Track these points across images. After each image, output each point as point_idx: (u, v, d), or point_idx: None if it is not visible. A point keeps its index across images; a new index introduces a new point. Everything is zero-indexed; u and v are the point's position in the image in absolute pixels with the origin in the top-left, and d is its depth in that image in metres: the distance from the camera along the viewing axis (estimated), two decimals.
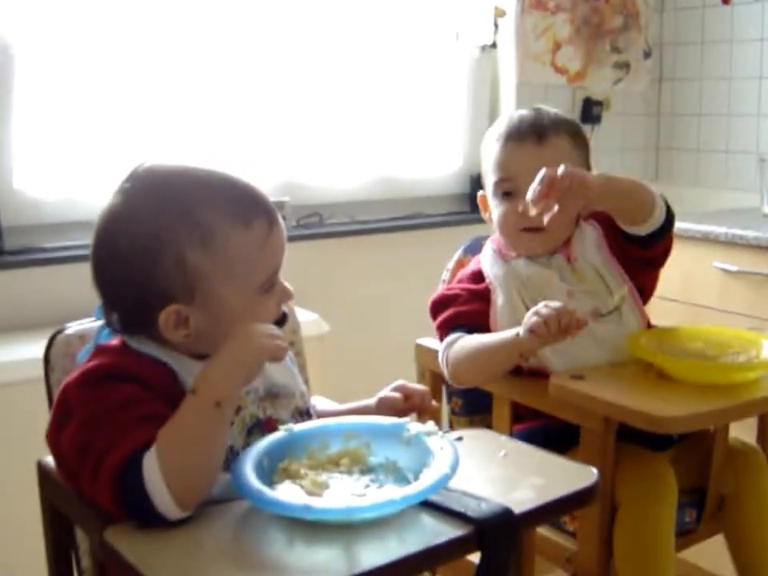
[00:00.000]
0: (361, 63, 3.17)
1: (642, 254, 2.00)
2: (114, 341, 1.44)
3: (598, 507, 1.79)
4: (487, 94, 3.47)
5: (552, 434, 1.87)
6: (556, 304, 1.73)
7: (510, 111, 2.12)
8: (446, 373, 1.96)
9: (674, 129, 3.77)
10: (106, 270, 1.41)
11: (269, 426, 1.44)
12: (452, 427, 2.23)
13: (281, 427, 1.40)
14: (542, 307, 1.73)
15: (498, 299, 1.97)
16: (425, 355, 2.17)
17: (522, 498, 1.31)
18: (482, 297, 1.99)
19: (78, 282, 2.54)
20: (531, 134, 1.99)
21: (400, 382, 1.63)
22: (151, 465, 1.22)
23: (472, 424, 2.18)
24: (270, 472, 1.33)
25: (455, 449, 1.31)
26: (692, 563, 2.29)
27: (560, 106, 3.44)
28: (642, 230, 1.94)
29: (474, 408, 2.18)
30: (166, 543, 1.21)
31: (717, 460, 1.93)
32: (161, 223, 1.35)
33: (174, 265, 1.35)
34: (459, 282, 2.08)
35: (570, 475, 1.42)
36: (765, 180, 3.18)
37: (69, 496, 1.45)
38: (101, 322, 1.47)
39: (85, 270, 2.52)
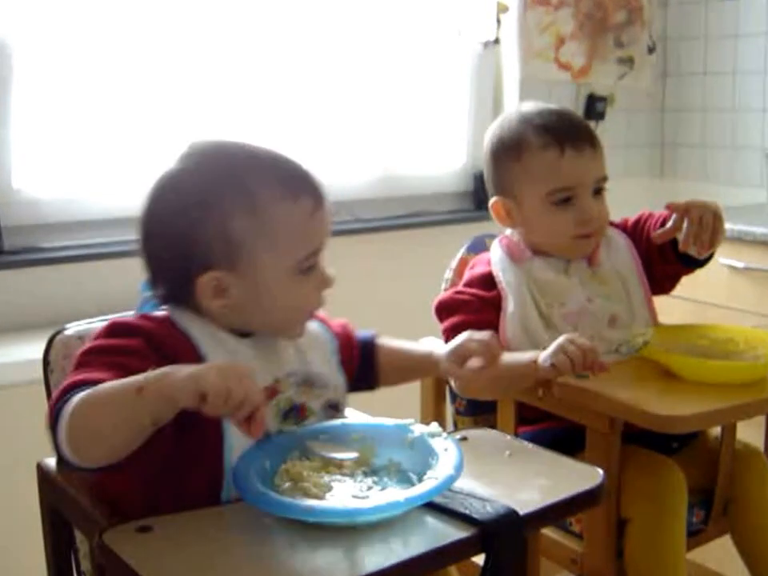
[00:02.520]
0: (363, 60, 3.15)
1: (678, 270, 2.04)
2: (161, 312, 1.45)
3: (604, 508, 1.78)
4: (490, 91, 3.44)
5: (559, 436, 1.84)
6: (583, 341, 1.67)
7: (521, 110, 2.03)
8: (452, 383, 1.91)
9: (679, 124, 3.75)
10: (152, 234, 1.44)
11: (302, 413, 1.46)
12: (456, 427, 2.21)
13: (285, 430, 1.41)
14: (568, 343, 1.66)
15: (509, 306, 1.95)
16: None
17: (527, 499, 1.31)
18: (494, 305, 1.96)
19: (77, 282, 2.58)
20: (586, 141, 1.96)
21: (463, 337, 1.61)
22: (70, 404, 1.22)
23: (476, 424, 2.17)
24: (272, 474, 1.32)
25: (460, 450, 1.31)
26: (698, 563, 2.28)
27: (564, 102, 3.45)
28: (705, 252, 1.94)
29: (478, 408, 2.16)
30: (165, 546, 1.20)
31: (724, 460, 1.92)
32: (209, 188, 1.39)
33: (218, 230, 1.38)
34: (469, 285, 2.02)
35: (575, 476, 1.41)
36: None
37: (68, 498, 1.45)
38: (147, 294, 1.49)
39: (84, 270, 2.56)
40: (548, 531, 1.93)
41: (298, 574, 1.15)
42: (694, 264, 1.99)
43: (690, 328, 1.99)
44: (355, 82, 3.15)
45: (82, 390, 1.22)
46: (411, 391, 2.06)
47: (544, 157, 1.95)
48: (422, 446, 1.34)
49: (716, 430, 1.98)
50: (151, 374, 1.20)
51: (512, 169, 1.99)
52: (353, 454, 1.35)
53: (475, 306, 1.96)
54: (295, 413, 1.45)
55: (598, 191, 1.98)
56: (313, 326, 1.56)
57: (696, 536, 1.92)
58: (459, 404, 2.20)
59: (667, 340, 1.88)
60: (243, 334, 1.45)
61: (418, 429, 1.38)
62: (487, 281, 2.00)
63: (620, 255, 2.04)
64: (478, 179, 3.42)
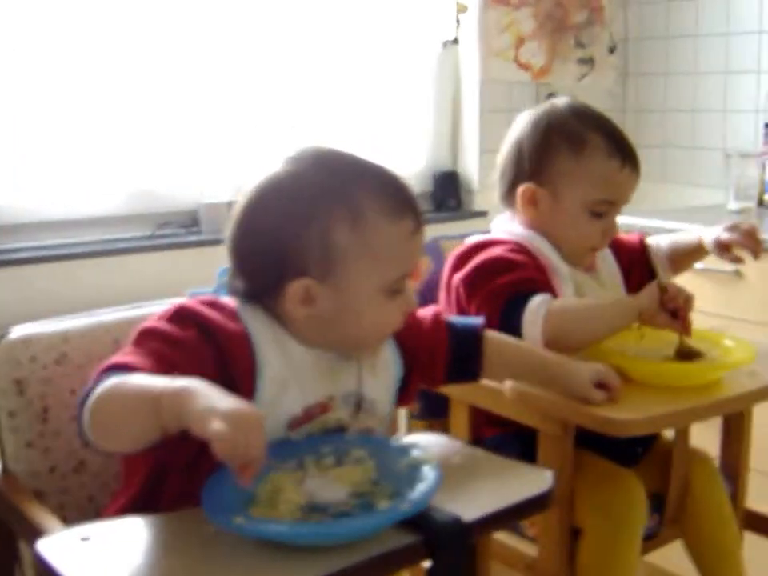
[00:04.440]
0: (322, 61, 3.14)
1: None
2: (231, 301, 1.44)
3: (558, 514, 1.76)
4: (450, 91, 3.44)
5: (528, 440, 1.81)
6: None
7: (575, 106, 2.01)
8: (537, 332, 1.79)
9: (640, 125, 3.75)
10: (249, 232, 1.43)
11: (342, 432, 1.46)
12: (411, 431, 2.19)
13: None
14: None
15: (568, 291, 1.93)
16: None
17: (474, 505, 1.29)
18: (544, 273, 1.92)
19: (22, 287, 2.53)
20: (637, 163, 1.97)
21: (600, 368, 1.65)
22: (99, 388, 1.23)
23: (430, 428, 2.15)
24: (257, 480, 1.27)
25: (432, 485, 1.26)
26: (659, 566, 2.27)
27: (524, 102, 3.44)
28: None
29: (432, 412, 2.14)
30: (103, 555, 1.18)
31: (677, 464, 1.91)
32: (317, 195, 1.39)
33: (318, 239, 1.37)
34: (508, 251, 1.92)
35: (525, 480, 1.40)
36: (730, 176, 3.17)
37: (11, 507, 1.43)
38: (223, 280, 1.48)
39: (36, 272, 2.52)
40: (502, 536, 1.92)
41: None
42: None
43: (645, 331, 1.97)
44: (314, 83, 3.13)
45: (117, 375, 1.24)
46: None
47: (607, 164, 1.92)
48: (412, 472, 1.30)
49: (670, 434, 1.97)
50: (172, 386, 1.17)
51: (566, 162, 1.94)
52: (341, 494, 1.31)
53: (531, 267, 1.90)
54: (339, 432, 1.45)
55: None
56: (384, 349, 1.55)
57: (650, 540, 1.90)
58: (413, 408, 2.18)
59: (621, 343, 1.86)
60: (313, 345, 1.44)
61: (415, 453, 1.35)
62: (520, 252, 1.93)
63: (608, 263, 2.06)
64: (438, 180, 3.42)
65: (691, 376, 1.78)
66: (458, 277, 1.93)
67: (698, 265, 2.71)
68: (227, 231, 1.45)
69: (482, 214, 3.34)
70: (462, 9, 3.31)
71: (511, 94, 3.41)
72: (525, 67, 3.43)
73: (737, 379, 1.78)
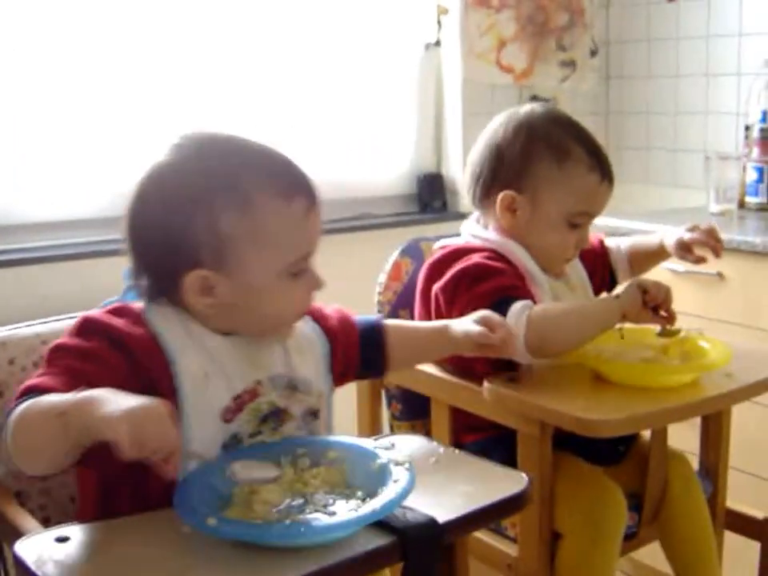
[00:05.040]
0: (304, 64, 3.13)
1: None
2: (138, 305, 1.43)
3: (537, 514, 1.77)
4: (432, 93, 3.44)
5: (510, 445, 1.81)
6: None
7: (553, 112, 2.04)
8: (520, 340, 1.77)
9: (622, 127, 3.76)
10: (139, 226, 1.41)
11: (282, 417, 1.44)
12: (393, 432, 2.20)
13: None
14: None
15: (546, 297, 1.93)
16: None
17: (449, 506, 1.31)
18: (523, 280, 1.93)
19: (25, 285, 2.53)
20: (612, 177, 1.98)
21: (484, 313, 1.65)
22: (14, 414, 1.23)
23: (413, 429, 2.16)
24: (233, 482, 1.31)
25: (405, 488, 1.26)
26: (643, 563, 2.28)
27: (506, 104, 3.39)
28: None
29: (414, 413, 2.16)
30: (80, 556, 1.20)
31: (654, 464, 1.92)
32: (201, 183, 1.36)
33: (206, 226, 1.35)
34: (485, 258, 1.92)
35: (501, 482, 1.41)
36: (710, 178, 3.18)
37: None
38: (129, 283, 1.46)
39: (32, 273, 2.51)
40: (483, 536, 1.93)
41: None
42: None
43: (622, 332, 1.99)
44: (298, 87, 3.13)
45: (31, 398, 1.23)
46: (348, 395, 2.04)
47: (587, 178, 1.94)
48: (384, 473, 1.31)
49: (648, 434, 1.98)
50: (75, 399, 1.18)
51: (548, 171, 1.93)
52: (273, 473, 1.32)
53: (511, 274, 1.90)
54: (275, 417, 1.43)
55: None
56: (305, 328, 1.54)
57: (629, 540, 1.91)
58: (395, 409, 2.19)
59: (598, 344, 1.87)
60: (228, 333, 1.43)
61: (386, 455, 1.35)
62: (496, 260, 1.93)
63: (577, 268, 2.07)
64: (422, 182, 3.42)
65: (668, 377, 1.79)
66: (437, 286, 1.92)
67: (678, 267, 2.73)
68: (122, 226, 1.43)
69: (467, 216, 3.33)
70: (443, 11, 3.31)
71: (493, 96, 3.42)
72: (507, 69, 3.44)
73: (713, 380, 1.80)
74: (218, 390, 1.37)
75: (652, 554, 2.08)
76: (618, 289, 2.08)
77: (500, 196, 1.95)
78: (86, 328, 1.37)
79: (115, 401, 1.15)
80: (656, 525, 1.97)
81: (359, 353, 1.62)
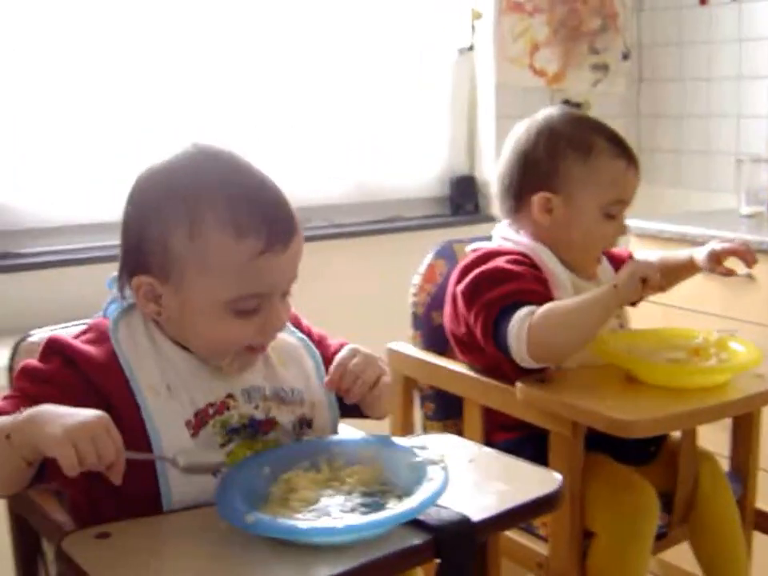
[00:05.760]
0: (338, 67, 3.16)
1: None
2: (106, 322, 1.44)
3: (569, 513, 1.79)
4: (466, 97, 3.45)
5: (541, 444, 1.84)
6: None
7: (569, 113, 2.09)
8: (517, 349, 1.82)
9: (654, 130, 3.76)
10: (122, 223, 1.43)
11: (266, 425, 1.44)
12: (425, 431, 2.22)
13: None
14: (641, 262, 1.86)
15: (559, 295, 1.93)
16: (397, 359, 2.17)
17: (483, 505, 1.32)
18: (544, 284, 1.94)
19: (46, 289, 2.57)
20: (637, 162, 2.01)
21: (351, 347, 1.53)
22: None
23: (445, 429, 2.18)
24: (270, 480, 1.33)
25: (441, 485, 1.28)
26: (672, 564, 2.29)
27: (538, 108, 3.40)
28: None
29: (446, 413, 2.18)
30: (122, 552, 1.22)
31: (684, 465, 1.93)
32: (163, 197, 1.36)
33: (158, 237, 1.35)
34: (511, 262, 1.94)
35: (534, 481, 1.41)
36: (741, 181, 3.17)
37: (34, 505, 1.45)
38: (113, 292, 1.47)
39: (56, 276, 2.55)
40: (514, 534, 1.95)
41: None
42: None
43: (653, 333, 2.00)
44: (332, 89, 3.15)
45: None
46: None
47: (614, 165, 1.97)
48: (419, 472, 1.32)
49: (678, 434, 1.99)
50: (19, 420, 1.23)
51: (575, 167, 1.97)
52: (219, 459, 1.34)
53: (528, 278, 1.92)
54: (252, 428, 1.42)
55: None
56: (290, 340, 1.54)
57: (659, 540, 1.92)
58: (428, 409, 2.21)
59: (630, 344, 1.89)
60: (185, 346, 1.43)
61: (423, 454, 1.36)
62: (522, 263, 1.95)
63: (608, 274, 2.07)
64: (455, 184, 3.43)
65: (699, 378, 1.81)
66: (459, 288, 1.96)
67: None
68: None
69: (499, 219, 3.35)
70: (477, 16, 3.33)
71: (526, 100, 3.42)
72: (539, 73, 3.45)
73: (744, 381, 1.81)
74: (181, 403, 1.38)
75: (679, 553, 2.09)
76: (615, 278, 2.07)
77: (535, 198, 1.98)
78: (48, 349, 1.40)
79: (55, 418, 1.20)
80: (686, 525, 1.98)
81: None
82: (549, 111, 2.07)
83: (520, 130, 2.06)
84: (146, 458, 1.31)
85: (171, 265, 1.36)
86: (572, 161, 1.97)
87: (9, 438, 1.22)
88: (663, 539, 1.95)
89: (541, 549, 1.90)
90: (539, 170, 1.99)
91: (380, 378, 1.48)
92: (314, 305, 2.99)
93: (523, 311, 1.82)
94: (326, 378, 1.48)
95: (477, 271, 1.94)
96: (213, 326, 1.37)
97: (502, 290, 1.87)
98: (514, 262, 1.94)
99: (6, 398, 1.35)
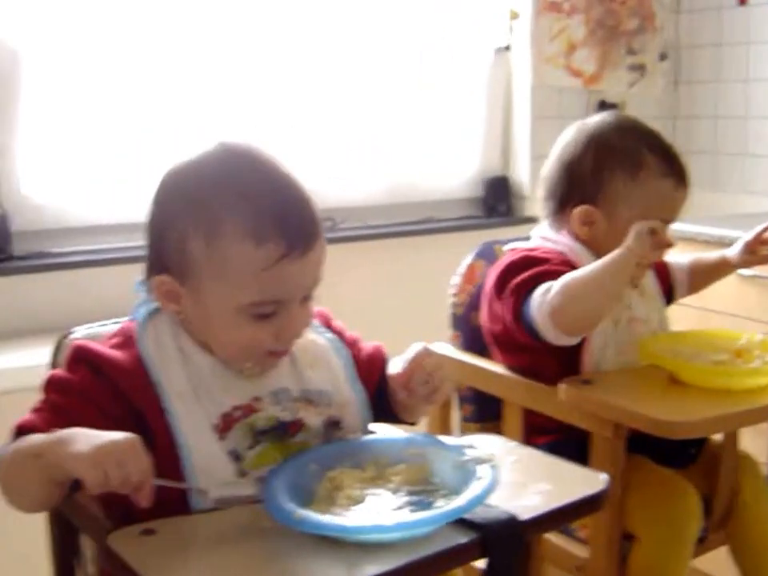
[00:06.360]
0: (375, 67, 3.16)
1: None
2: (133, 325, 1.43)
3: (609, 516, 1.77)
4: (502, 97, 3.45)
5: (580, 447, 1.81)
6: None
7: (621, 121, 2.03)
8: (542, 323, 1.81)
9: (691, 132, 3.73)
10: (147, 225, 1.42)
11: (294, 426, 1.42)
12: (463, 433, 2.20)
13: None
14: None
15: None
16: None
17: (529, 505, 1.30)
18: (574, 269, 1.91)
19: (84, 287, 2.58)
20: (687, 182, 1.97)
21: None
22: (8, 450, 1.28)
23: (483, 431, 2.16)
24: (316, 478, 1.33)
25: (490, 483, 1.27)
26: (703, 570, 2.27)
27: (575, 109, 3.45)
28: None
29: (485, 415, 2.16)
30: (168, 548, 1.21)
31: (725, 468, 1.92)
32: (188, 199, 1.35)
33: (178, 240, 1.35)
34: (545, 253, 1.95)
35: (579, 482, 1.40)
36: None
37: (74, 502, 1.45)
38: (142, 295, 1.46)
39: (91, 275, 2.56)
40: (553, 537, 1.93)
41: None
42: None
43: (696, 334, 1.99)
44: (367, 89, 3.16)
45: (19, 438, 1.28)
46: None
47: (662, 185, 1.93)
48: (468, 471, 1.31)
49: (719, 437, 1.97)
50: (50, 440, 1.23)
51: (621, 183, 1.93)
52: (251, 491, 1.31)
53: (557, 262, 1.91)
54: (280, 430, 1.41)
55: None
56: (318, 341, 1.52)
57: (699, 544, 1.89)
58: (466, 411, 2.20)
59: (673, 346, 1.87)
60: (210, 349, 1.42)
61: (470, 453, 1.35)
62: (558, 261, 1.93)
63: (649, 274, 2.04)
64: (489, 186, 3.43)
65: (742, 380, 1.78)
66: (489, 284, 1.97)
67: (745, 271, 2.71)
68: None
69: (533, 220, 3.32)
70: (514, 16, 3.32)
71: (562, 101, 3.42)
72: (576, 74, 3.44)
73: None
74: (207, 407, 1.37)
75: (711, 560, 2.07)
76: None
77: (576, 211, 1.96)
78: (75, 357, 1.39)
79: (84, 440, 1.20)
80: (725, 529, 1.97)
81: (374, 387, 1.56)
82: (600, 118, 2.03)
83: (569, 136, 2.02)
84: (175, 486, 1.30)
85: (188, 268, 1.35)
86: (619, 177, 1.93)
87: (40, 456, 1.23)
88: (702, 544, 1.92)
89: (580, 552, 1.89)
90: (583, 182, 1.96)
91: (444, 384, 1.46)
92: (344, 306, 3.00)
93: (543, 286, 1.81)
94: (397, 371, 1.46)
95: (506, 262, 1.94)
96: (229, 330, 1.36)
97: (527, 274, 1.86)
98: (546, 253, 1.94)
99: (34, 410, 1.35)
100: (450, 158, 3.41)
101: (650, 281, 2.05)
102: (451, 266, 2.27)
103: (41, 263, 2.58)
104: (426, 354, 1.46)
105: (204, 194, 1.34)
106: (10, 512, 1.34)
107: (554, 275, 1.84)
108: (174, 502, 1.31)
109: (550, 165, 2.04)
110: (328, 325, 1.58)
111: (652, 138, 1.98)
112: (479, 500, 1.24)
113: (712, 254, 2.16)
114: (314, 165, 3.05)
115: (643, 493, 1.82)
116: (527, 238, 2.09)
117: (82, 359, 1.38)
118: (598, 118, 2.03)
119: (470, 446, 1.38)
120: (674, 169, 1.94)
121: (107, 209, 2.70)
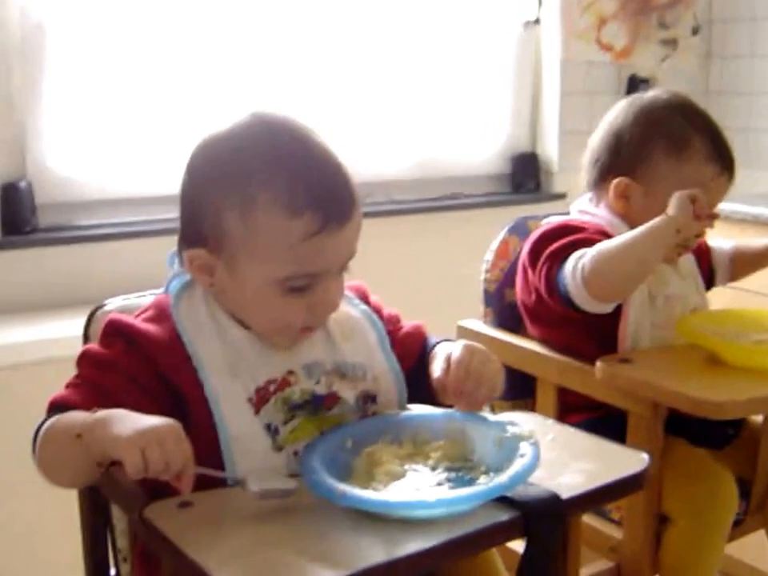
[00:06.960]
0: (402, 41, 3.13)
1: None
2: (167, 299, 1.42)
3: (645, 497, 1.76)
4: (530, 72, 3.41)
5: (616, 426, 1.77)
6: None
7: (676, 99, 1.98)
8: (575, 288, 1.78)
9: (723, 108, 3.66)
10: (180, 196, 1.40)
11: (329, 400, 1.41)
12: (494, 411, 2.18)
13: None
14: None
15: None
16: (468, 337, 2.11)
17: (569, 483, 1.29)
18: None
19: (111, 260, 2.57)
20: (733, 170, 1.95)
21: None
22: (42, 429, 1.28)
23: (515, 408, 2.14)
24: (353, 454, 1.31)
25: (533, 460, 1.25)
26: (734, 557, 2.25)
27: (605, 84, 3.41)
28: None
29: (516, 392, 2.13)
30: (205, 521, 1.20)
31: (764, 450, 1.89)
32: (216, 173, 1.34)
33: (212, 214, 1.33)
34: (582, 223, 1.94)
35: (618, 460, 1.38)
36: None
37: (107, 475, 1.43)
38: (174, 268, 1.45)
39: (117, 248, 2.55)
40: (586, 518, 1.91)
41: (337, 552, 1.13)
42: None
43: (735, 313, 1.96)
44: (394, 64, 3.13)
45: (56, 414, 1.28)
46: None
47: (704, 169, 1.91)
48: (509, 448, 1.29)
49: (757, 419, 1.94)
50: (90, 420, 1.21)
51: (664, 162, 1.91)
52: (292, 485, 1.26)
53: (592, 230, 1.89)
54: (315, 404, 1.39)
55: None
56: (353, 312, 1.50)
57: (735, 527, 1.87)
58: None
59: (712, 325, 1.85)
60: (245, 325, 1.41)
61: (512, 429, 1.33)
62: (594, 230, 1.91)
63: (687, 256, 2.01)
64: (516, 162, 3.40)
65: None
66: (524, 255, 1.95)
67: None
68: None
69: (561, 197, 3.31)
70: None
71: (592, 76, 3.38)
72: (606, 48, 3.39)
73: None
74: (242, 381, 1.36)
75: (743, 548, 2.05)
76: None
77: (614, 182, 1.94)
78: (109, 331, 1.39)
79: (125, 423, 1.18)
80: (761, 514, 1.94)
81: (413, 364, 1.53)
82: (654, 93, 2.00)
83: (621, 107, 2.00)
84: (215, 475, 1.28)
85: (223, 241, 1.33)
86: (661, 153, 1.91)
87: (80, 436, 1.22)
88: (738, 527, 1.90)
89: (614, 533, 1.87)
90: (628, 154, 1.94)
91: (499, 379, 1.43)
92: (374, 281, 2.99)
93: (578, 252, 1.79)
94: (439, 374, 1.41)
95: (542, 231, 1.93)
96: (262, 304, 1.35)
97: (563, 241, 1.85)
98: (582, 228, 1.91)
99: (70, 385, 1.34)
100: (477, 133, 3.38)
101: (688, 262, 2.02)
102: (477, 242, 2.24)
103: (65, 236, 2.57)
104: (469, 357, 1.41)
105: (238, 165, 1.32)
106: (43, 486, 1.33)
107: (590, 243, 1.81)
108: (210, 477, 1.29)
109: (597, 134, 2.03)
110: (366, 300, 1.56)
111: (702, 120, 1.95)
112: (522, 478, 1.22)
113: (757, 242, 2.12)
114: (340, 140, 3.02)
115: (679, 474, 1.80)
116: (566, 213, 2.07)
117: (118, 333, 1.37)
118: (653, 94, 2.01)
119: (512, 423, 1.35)
120: (720, 154, 1.91)
121: (132, 182, 2.69)
